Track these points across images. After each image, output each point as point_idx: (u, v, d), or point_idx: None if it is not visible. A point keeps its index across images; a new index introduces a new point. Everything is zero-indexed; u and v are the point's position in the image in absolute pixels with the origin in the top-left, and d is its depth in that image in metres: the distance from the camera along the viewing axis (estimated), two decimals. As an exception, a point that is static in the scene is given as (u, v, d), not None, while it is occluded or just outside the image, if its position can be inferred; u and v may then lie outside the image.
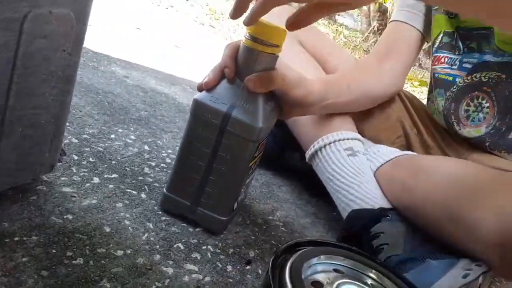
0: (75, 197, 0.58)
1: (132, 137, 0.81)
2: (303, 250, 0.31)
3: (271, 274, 0.28)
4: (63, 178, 0.60)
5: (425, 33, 0.88)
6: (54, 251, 0.47)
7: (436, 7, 0.86)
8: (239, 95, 0.58)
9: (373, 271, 0.32)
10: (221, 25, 3.10)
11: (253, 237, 0.66)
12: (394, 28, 0.90)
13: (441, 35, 0.86)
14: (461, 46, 0.83)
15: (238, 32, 3.09)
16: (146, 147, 0.80)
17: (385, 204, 0.72)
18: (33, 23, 0.41)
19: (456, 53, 0.84)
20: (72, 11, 0.45)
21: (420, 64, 5.12)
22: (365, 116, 0.85)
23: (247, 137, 0.57)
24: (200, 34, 2.58)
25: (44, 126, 0.48)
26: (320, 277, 0.30)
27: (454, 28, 0.84)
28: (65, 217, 0.53)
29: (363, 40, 5.43)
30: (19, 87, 0.43)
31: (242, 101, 0.58)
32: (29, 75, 0.43)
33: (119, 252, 0.51)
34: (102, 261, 0.49)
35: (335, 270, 0.32)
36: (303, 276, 0.27)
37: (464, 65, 0.82)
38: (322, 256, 0.31)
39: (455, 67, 0.83)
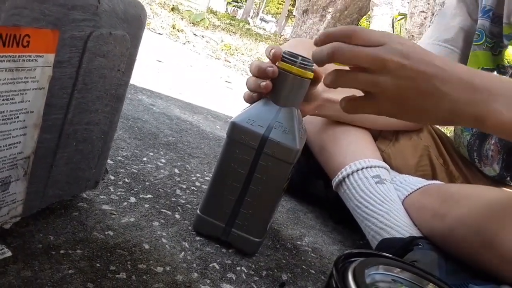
0: (114, 214, 0.59)
1: (163, 160, 0.83)
2: (361, 260, 0.31)
3: (336, 278, 0.28)
4: (102, 197, 0.61)
5: None
6: (98, 264, 0.48)
7: (479, 42, 0.81)
8: (275, 118, 0.60)
9: (431, 284, 0.33)
10: (236, 60, 3.18)
11: (284, 261, 0.66)
12: None
13: None
14: None
15: (253, 67, 3.16)
16: (176, 171, 0.81)
17: (415, 232, 0.72)
18: (95, 42, 0.44)
19: None
20: (128, 33, 0.48)
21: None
22: (392, 143, 0.86)
23: (284, 159, 0.59)
24: (216, 68, 2.65)
25: (94, 141, 0.50)
26: (381, 285, 0.31)
27: (495, 66, 0.80)
28: (106, 233, 0.54)
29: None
30: (77, 102, 0.45)
31: (278, 124, 0.59)
32: (87, 91, 0.45)
33: (159, 269, 0.52)
34: (144, 277, 0.49)
35: (394, 281, 0.32)
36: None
37: None
38: (380, 267, 0.32)
39: None
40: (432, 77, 0.44)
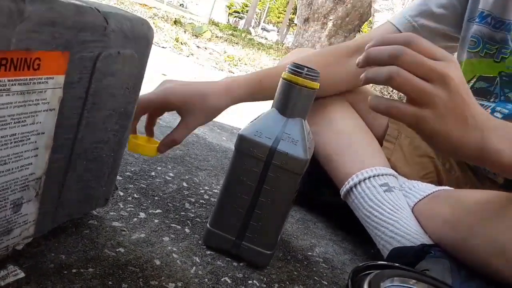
0: (124, 231, 0.59)
1: (171, 174, 0.83)
2: (377, 272, 0.31)
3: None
4: (111, 213, 0.62)
5: None
6: (110, 283, 0.48)
7: (475, 50, 0.79)
8: (283, 129, 0.60)
9: (446, 295, 0.33)
10: (239, 71, 3.19)
11: (295, 273, 0.65)
12: (381, 27, 0.85)
13: (474, 80, 0.81)
14: (499, 93, 0.78)
15: (256, 77, 3.18)
16: (185, 184, 0.81)
17: (426, 240, 0.71)
18: (104, 62, 0.44)
19: (492, 100, 0.79)
20: (136, 52, 0.49)
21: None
22: (397, 150, 0.86)
23: (293, 170, 0.59)
24: (219, 79, 2.66)
25: (104, 160, 0.51)
26: (397, 299, 0.31)
27: (497, 73, 0.77)
28: (117, 250, 0.54)
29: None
30: (87, 122, 0.45)
31: (286, 135, 0.59)
32: (97, 110, 0.46)
33: (171, 285, 0.52)
34: (157, 293, 0.49)
35: (409, 294, 0.32)
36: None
37: (495, 114, 0.77)
38: (395, 278, 0.32)
39: None
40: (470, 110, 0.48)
